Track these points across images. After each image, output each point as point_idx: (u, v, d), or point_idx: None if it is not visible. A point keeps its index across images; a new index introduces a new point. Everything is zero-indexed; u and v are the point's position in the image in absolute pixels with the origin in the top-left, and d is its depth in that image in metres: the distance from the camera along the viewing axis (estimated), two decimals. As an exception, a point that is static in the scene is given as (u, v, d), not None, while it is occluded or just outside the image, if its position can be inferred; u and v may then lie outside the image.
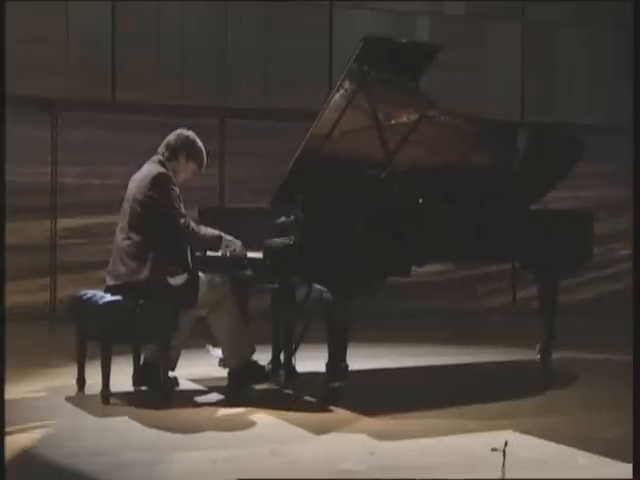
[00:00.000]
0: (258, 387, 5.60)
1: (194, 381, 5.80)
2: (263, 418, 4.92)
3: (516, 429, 4.69)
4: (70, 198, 8.92)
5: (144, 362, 5.53)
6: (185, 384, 5.72)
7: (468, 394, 5.63)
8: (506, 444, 3.60)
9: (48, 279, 8.99)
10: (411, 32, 9.78)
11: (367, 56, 5.48)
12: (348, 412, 5.04)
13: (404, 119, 5.97)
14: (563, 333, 6.35)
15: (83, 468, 3.90)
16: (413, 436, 4.56)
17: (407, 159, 5.98)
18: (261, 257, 5.14)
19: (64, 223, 8.99)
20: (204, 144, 5.64)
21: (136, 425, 4.73)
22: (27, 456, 4.10)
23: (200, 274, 5.41)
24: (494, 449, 3.64)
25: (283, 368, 5.78)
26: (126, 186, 5.60)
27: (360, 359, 6.86)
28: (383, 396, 5.65)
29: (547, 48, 10.47)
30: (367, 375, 6.34)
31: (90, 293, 5.40)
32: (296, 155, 5.85)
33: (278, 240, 5.16)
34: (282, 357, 5.88)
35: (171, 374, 5.58)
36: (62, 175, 9.07)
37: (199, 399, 5.40)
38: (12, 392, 5.41)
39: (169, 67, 9.33)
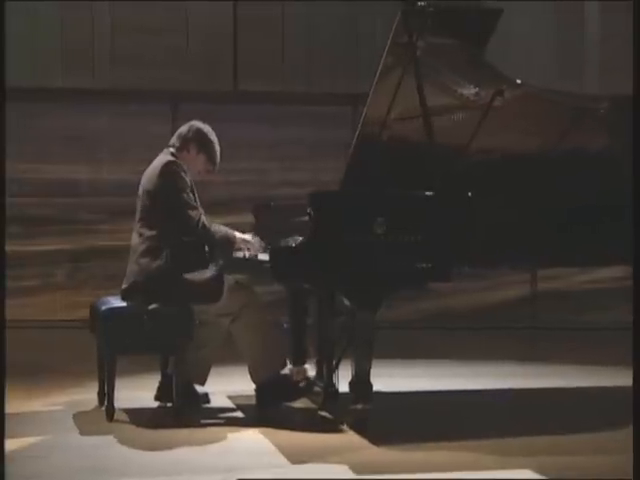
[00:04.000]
0: (293, 405, 5.41)
1: (231, 398, 5.63)
2: (251, 441, 4.77)
3: (537, 469, 4.22)
4: (191, 197, 8.97)
5: (167, 376, 5.43)
6: (221, 401, 5.56)
7: (516, 425, 5.15)
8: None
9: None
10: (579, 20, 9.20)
11: (411, 23, 5.12)
12: (359, 438, 4.76)
13: (470, 98, 5.52)
14: None
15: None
16: (402, 471, 4.23)
17: (476, 146, 5.55)
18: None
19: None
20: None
21: (113, 446, 4.66)
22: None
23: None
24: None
25: (322, 386, 5.49)
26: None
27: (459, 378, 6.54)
28: (422, 422, 5.28)
29: None
30: (432, 397, 6.05)
31: (104, 299, 5.37)
32: (352, 147, 5.59)
33: (286, 241, 4.94)
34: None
35: (201, 390, 5.47)
36: (183, 172, 9.14)
37: (211, 419, 5.23)
38: (32, 405, 5.53)
39: (294, 57, 9.24)
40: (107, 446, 4.67)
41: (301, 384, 5.41)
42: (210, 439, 4.79)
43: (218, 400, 5.57)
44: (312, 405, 5.47)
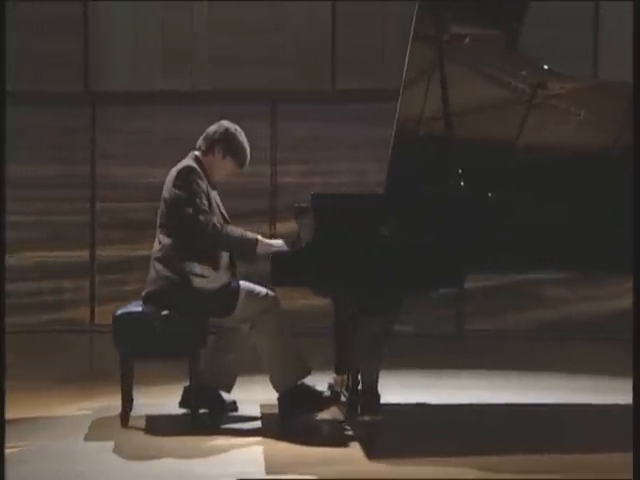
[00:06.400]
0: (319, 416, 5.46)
1: (263, 407, 5.70)
2: (249, 451, 4.84)
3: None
4: (290, 199, 9.06)
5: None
6: (252, 410, 5.64)
7: (524, 441, 5.07)
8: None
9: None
10: None
11: (431, 16, 5.07)
12: (357, 450, 4.79)
13: (527, 90, 5.42)
14: None
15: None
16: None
17: (524, 141, 5.49)
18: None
19: (284, 227, 9.16)
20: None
21: (109, 452, 4.83)
22: None
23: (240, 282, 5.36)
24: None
25: (348, 396, 5.50)
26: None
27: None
28: (438, 436, 5.22)
29: None
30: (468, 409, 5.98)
31: (127, 305, 5.53)
32: (390, 148, 5.59)
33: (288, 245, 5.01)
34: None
35: (228, 397, 5.59)
36: (281, 174, 9.30)
37: (228, 427, 5.33)
38: (62, 409, 5.80)
39: (393, 55, 9.20)
40: (105, 452, 4.83)
41: (325, 394, 5.41)
42: (211, 448, 4.90)
43: (250, 409, 5.65)
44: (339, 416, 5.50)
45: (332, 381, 5.69)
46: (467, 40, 5.25)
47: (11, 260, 9.45)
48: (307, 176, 9.19)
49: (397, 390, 6.32)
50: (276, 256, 4.93)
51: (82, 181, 9.50)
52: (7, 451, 4.62)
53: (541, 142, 5.52)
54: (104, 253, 9.48)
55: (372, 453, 4.69)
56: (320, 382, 5.51)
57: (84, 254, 9.50)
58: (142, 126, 9.36)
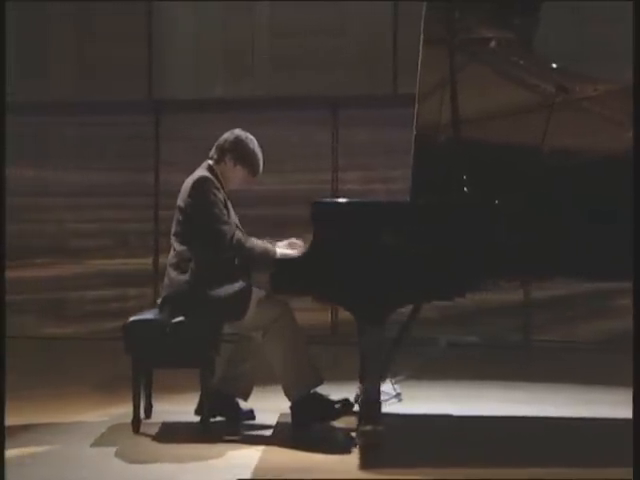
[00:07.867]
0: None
1: (282, 415, 5.81)
2: (247, 457, 4.99)
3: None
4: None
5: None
6: (266, 418, 5.77)
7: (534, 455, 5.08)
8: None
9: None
10: None
11: (442, 17, 5.15)
12: (355, 459, 4.90)
13: (535, 95, 5.46)
14: None
15: None
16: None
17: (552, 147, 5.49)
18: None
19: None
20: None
21: (110, 458, 5.01)
22: None
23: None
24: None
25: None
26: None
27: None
28: (443, 448, 5.27)
29: None
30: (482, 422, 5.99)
31: (141, 312, 5.73)
32: (412, 156, 5.66)
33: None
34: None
35: (245, 406, 5.74)
36: (343, 180, 9.39)
37: (237, 436, 5.47)
38: (84, 415, 6.03)
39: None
40: (110, 458, 5.03)
41: (337, 403, 5.51)
42: (211, 454, 5.06)
43: (265, 417, 5.79)
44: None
45: (358, 391, 5.77)
46: (492, 43, 5.31)
47: (77, 268, 9.81)
48: (369, 182, 9.28)
49: (438, 401, 6.40)
50: (278, 264, 5.06)
51: (146, 189, 9.74)
52: (15, 455, 4.89)
53: (574, 146, 5.49)
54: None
55: (366, 463, 4.79)
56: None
57: (148, 262, 9.74)
58: (204, 133, 9.50)
